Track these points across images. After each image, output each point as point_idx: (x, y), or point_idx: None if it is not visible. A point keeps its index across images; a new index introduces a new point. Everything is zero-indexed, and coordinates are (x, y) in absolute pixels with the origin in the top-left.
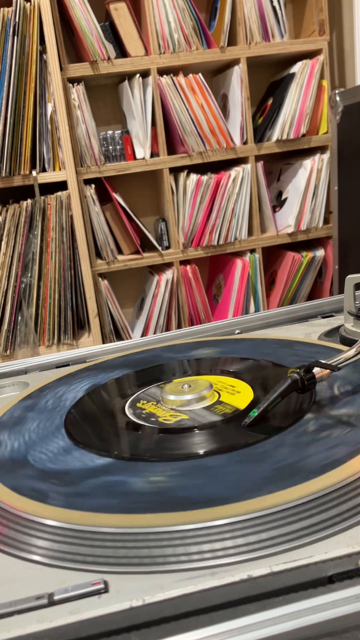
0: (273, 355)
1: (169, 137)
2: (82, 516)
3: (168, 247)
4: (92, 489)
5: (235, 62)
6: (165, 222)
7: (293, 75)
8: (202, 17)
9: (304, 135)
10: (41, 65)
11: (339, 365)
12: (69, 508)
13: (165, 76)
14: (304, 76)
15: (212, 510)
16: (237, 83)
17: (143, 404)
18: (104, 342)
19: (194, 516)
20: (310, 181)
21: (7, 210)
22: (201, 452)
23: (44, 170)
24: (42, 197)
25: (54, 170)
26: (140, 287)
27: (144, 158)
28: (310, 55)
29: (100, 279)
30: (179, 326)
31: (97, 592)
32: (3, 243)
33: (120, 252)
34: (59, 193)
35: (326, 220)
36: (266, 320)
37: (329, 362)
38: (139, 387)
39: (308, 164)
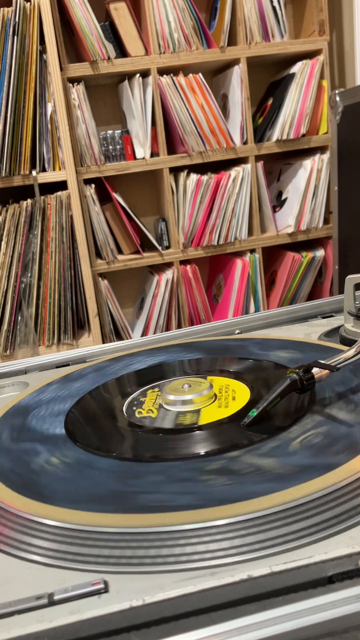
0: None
1: (169, 137)
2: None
3: (168, 247)
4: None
5: (235, 62)
6: (165, 222)
7: (293, 75)
8: (202, 17)
9: (304, 136)
10: (41, 65)
11: (339, 366)
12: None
13: (165, 76)
14: (304, 76)
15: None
16: (237, 83)
17: (149, 392)
18: (104, 342)
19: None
20: (310, 181)
21: (7, 210)
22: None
23: (44, 170)
24: (42, 197)
25: (54, 170)
26: (140, 287)
27: (144, 158)
28: (310, 55)
29: (100, 278)
30: (179, 326)
31: (97, 592)
32: (3, 243)
33: (120, 252)
34: (59, 193)
35: (326, 220)
36: (266, 320)
37: (328, 363)
38: (172, 375)
39: (308, 164)
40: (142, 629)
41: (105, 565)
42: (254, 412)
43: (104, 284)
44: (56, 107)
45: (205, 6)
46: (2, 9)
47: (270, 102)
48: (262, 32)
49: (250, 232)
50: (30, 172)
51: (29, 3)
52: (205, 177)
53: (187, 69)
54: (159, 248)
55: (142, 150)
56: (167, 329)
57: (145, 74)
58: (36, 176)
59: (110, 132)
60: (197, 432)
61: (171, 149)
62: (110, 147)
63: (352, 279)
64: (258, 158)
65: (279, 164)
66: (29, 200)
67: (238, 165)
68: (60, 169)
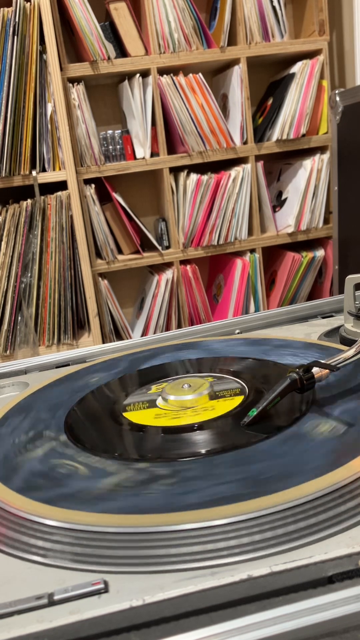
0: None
1: (169, 136)
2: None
3: (168, 247)
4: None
5: (235, 62)
6: (165, 222)
7: (293, 75)
8: (202, 17)
9: (304, 135)
10: (41, 65)
11: (338, 365)
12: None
13: (165, 76)
14: (304, 76)
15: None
16: (237, 83)
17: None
18: (104, 342)
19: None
20: (310, 181)
21: (7, 210)
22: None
23: (44, 170)
24: (42, 197)
25: (54, 170)
26: (140, 287)
27: (144, 158)
28: (310, 55)
29: (100, 278)
30: (179, 326)
31: (97, 592)
32: (3, 243)
33: (120, 252)
34: (59, 193)
35: (326, 220)
36: (266, 320)
37: (328, 362)
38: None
39: (308, 164)
40: (142, 629)
41: (105, 565)
42: (253, 412)
43: (104, 284)
44: (56, 107)
45: (205, 6)
46: (2, 9)
47: (270, 102)
48: (262, 32)
49: (250, 232)
50: (30, 172)
51: (29, 3)
52: (205, 177)
53: (187, 69)
54: (159, 248)
55: (142, 150)
56: (167, 329)
57: (145, 74)
58: (36, 176)
59: (110, 132)
60: (118, 423)
61: (171, 149)
62: (110, 147)
63: (352, 279)
64: (258, 158)
65: (279, 164)
66: (29, 200)
67: (238, 165)
68: (60, 169)
